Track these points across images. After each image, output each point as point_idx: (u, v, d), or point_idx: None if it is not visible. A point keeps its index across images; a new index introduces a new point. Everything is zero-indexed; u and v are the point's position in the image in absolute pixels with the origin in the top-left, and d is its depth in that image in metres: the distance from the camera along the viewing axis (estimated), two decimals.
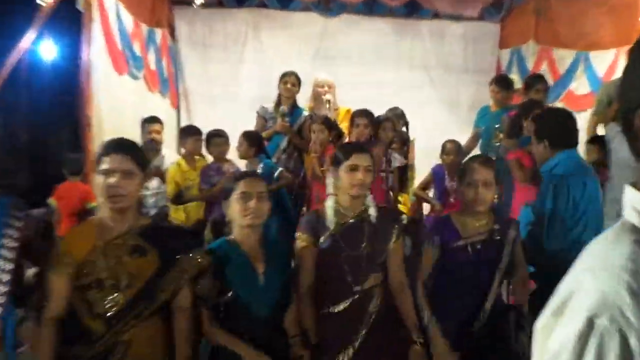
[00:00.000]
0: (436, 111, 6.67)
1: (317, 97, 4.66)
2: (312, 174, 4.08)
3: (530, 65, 6.32)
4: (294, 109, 4.59)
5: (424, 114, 6.36)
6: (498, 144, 4.54)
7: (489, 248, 2.41)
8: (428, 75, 6.75)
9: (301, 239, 2.30)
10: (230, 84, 6.57)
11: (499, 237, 2.43)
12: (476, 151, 5.26)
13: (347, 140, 4.12)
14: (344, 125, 4.49)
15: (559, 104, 5.75)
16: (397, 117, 4.75)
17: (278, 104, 4.59)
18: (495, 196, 2.37)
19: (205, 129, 4.46)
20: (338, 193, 2.38)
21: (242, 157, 4.18)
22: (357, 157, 2.33)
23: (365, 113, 3.90)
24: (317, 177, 4.00)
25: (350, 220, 2.33)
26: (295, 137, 4.49)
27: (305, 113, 4.59)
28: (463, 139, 4.94)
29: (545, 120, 2.84)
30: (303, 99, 4.80)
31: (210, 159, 4.38)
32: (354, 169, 2.30)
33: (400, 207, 4.46)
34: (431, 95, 6.73)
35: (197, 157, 4.37)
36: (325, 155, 4.04)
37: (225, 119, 5.89)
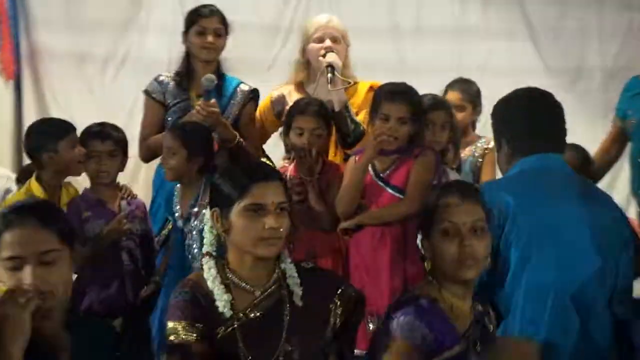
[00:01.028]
0: (540, 86, 6.41)
1: (311, 62, 4.77)
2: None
3: None
4: (220, 81, 4.71)
5: None
6: None
7: (485, 347, 2.71)
8: (524, 17, 6.83)
9: (174, 332, 2.50)
10: (125, 35, 6.65)
11: (489, 325, 2.79)
12: (621, 166, 5.40)
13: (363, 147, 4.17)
14: (361, 117, 4.57)
15: None
16: (467, 99, 4.92)
17: (186, 73, 4.75)
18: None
19: (78, 125, 4.52)
20: (229, 252, 2.61)
21: (175, 176, 4.24)
22: (262, 188, 2.54)
23: (403, 93, 3.96)
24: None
25: (258, 300, 2.57)
26: (229, 135, 4.60)
27: (245, 87, 4.78)
28: (594, 141, 5.01)
29: (500, 111, 3.30)
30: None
31: (84, 183, 4.50)
32: (255, 209, 2.52)
33: None
34: (530, 55, 6.81)
35: (64, 180, 4.50)
36: (327, 177, 4.21)
37: (117, 105, 5.99)
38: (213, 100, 4.45)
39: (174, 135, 4.18)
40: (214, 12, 4.67)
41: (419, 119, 3.95)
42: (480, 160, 5.04)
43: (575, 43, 6.88)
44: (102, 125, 4.40)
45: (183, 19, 5.85)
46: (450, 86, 5.04)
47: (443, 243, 2.64)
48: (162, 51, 6.35)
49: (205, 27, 4.63)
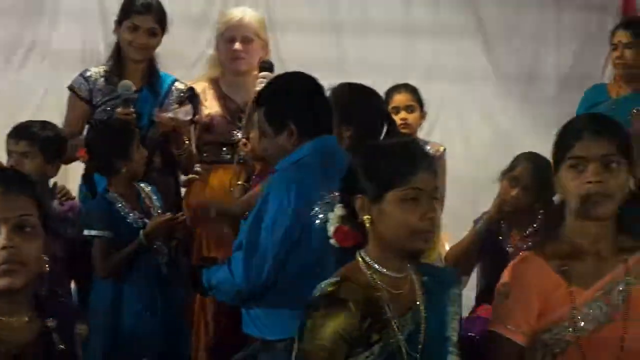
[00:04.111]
0: (491, 91, 6.90)
1: (223, 61, 4.96)
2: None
3: None
4: (153, 79, 4.80)
5: (464, 97, 6.60)
6: None
7: None
8: (476, 15, 6.85)
9: None
10: (32, 21, 6.50)
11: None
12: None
13: None
14: None
15: None
16: (417, 99, 5.06)
17: (116, 68, 4.75)
18: None
19: None
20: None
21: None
22: None
23: (333, 100, 3.94)
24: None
25: None
26: (180, 143, 4.73)
27: (181, 85, 4.89)
28: (548, 155, 4.98)
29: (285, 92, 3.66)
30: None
31: None
32: None
33: None
34: (480, 58, 6.84)
35: None
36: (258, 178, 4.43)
37: (23, 99, 6.01)
38: (131, 110, 4.48)
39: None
40: (149, 9, 4.63)
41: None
42: None
43: (529, 46, 6.92)
44: (24, 123, 4.40)
45: (97, 4, 5.73)
46: (395, 89, 5.09)
47: None
48: (74, 40, 6.31)
49: (137, 25, 4.61)
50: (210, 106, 4.89)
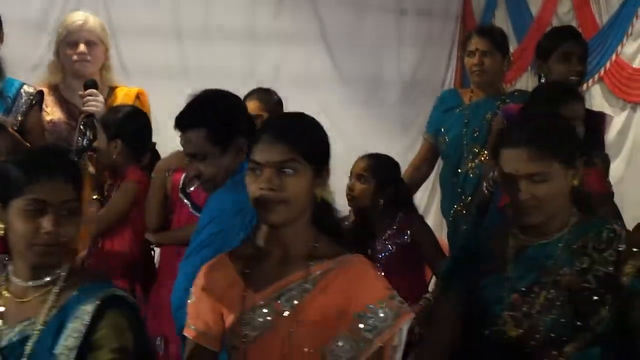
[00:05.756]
0: (335, 96, 7.02)
1: (65, 66, 4.93)
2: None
3: (535, 6, 6.57)
4: (1, 82, 4.73)
5: (309, 102, 6.43)
6: (476, 170, 4.78)
7: None
8: (318, 21, 6.97)
9: None
10: None
11: None
12: (430, 185, 5.60)
13: None
14: None
15: (596, 86, 6.16)
16: (266, 108, 5.02)
17: None
18: None
19: None
20: None
21: None
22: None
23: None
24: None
25: None
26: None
27: (29, 89, 4.79)
28: (402, 159, 5.08)
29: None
30: None
31: None
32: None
33: None
34: (325, 63, 6.98)
35: None
36: (114, 182, 4.42)
37: None
38: None
39: None
40: None
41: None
42: None
43: (372, 52, 7.05)
44: None
45: None
46: (248, 95, 5.02)
47: None
48: None
49: None
50: (52, 112, 4.82)
